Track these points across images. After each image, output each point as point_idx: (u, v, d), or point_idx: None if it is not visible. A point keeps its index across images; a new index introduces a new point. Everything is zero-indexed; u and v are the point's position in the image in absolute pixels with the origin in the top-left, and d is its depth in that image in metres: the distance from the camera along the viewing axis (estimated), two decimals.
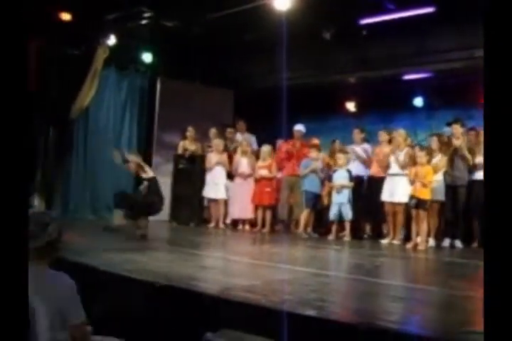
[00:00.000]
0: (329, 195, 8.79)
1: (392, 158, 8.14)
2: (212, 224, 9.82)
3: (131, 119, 11.07)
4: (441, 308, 3.92)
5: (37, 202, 4.78)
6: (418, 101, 11.61)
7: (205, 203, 10.22)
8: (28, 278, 2.53)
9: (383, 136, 8.70)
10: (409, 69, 10.31)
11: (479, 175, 7.43)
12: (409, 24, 8.80)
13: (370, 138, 9.39)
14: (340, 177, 8.52)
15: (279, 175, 9.56)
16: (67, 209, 9.81)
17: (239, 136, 10.71)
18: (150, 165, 10.77)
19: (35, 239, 2.62)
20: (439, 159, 7.87)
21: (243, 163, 9.73)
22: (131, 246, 6.78)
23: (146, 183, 7.34)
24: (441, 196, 7.77)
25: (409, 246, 7.59)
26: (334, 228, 8.55)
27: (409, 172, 7.71)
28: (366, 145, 9.13)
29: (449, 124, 8.46)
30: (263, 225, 9.43)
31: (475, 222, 7.68)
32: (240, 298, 3.72)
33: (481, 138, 7.51)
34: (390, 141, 8.56)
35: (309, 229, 8.88)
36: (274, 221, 9.61)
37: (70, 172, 10.13)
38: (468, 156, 7.69)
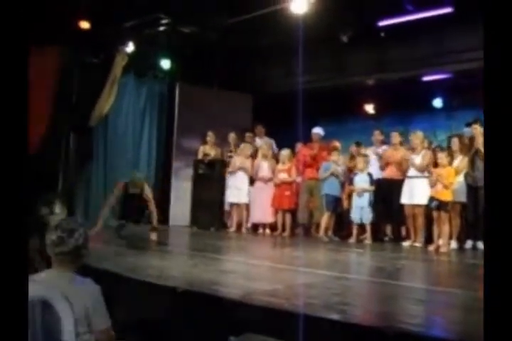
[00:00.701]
0: (349, 198, 8.77)
1: (410, 161, 8.09)
2: (232, 229, 9.83)
3: (150, 125, 11.12)
4: (464, 311, 3.88)
5: (59, 210, 4.82)
6: (437, 102, 11.54)
7: (226, 208, 10.25)
8: (55, 283, 2.58)
9: (396, 137, 8.66)
10: (427, 71, 10.24)
11: None
12: (427, 25, 8.76)
13: (388, 141, 9.34)
14: (361, 181, 8.50)
15: (299, 178, 9.55)
16: (88, 215, 9.88)
17: (258, 141, 10.73)
18: (170, 170, 10.90)
19: (63, 244, 2.68)
20: (460, 160, 7.80)
21: (264, 167, 9.74)
22: (153, 251, 6.82)
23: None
24: (462, 197, 7.69)
25: (431, 248, 7.53)
26: (355, 231, 8.53)
27: (431, 173, 7.66)
28: (385, 147, 9.10)
29: (468, 125, 8.38)
30: (283, 229, 9.42)
31: None
32: (262, 302, 3.72)
33: None
34: (401, 143, 8.53)
35: (330, 233, 8.85)
36: (294, 225, 9.60)
37: (91, 179, 10.20)
38: None
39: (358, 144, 9.64)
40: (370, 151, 9.14)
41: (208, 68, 10.87)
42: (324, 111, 11.21)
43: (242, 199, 9.79)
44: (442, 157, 7.52)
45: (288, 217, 9.43)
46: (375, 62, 10.14)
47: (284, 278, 5.16)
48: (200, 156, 10.42)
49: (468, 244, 7.69)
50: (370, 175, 8.53)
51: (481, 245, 7.58)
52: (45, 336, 2.51)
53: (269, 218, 9.64)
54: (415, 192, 7.91)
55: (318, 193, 9.12)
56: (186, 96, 10.98)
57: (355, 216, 8.42)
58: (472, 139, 7.90)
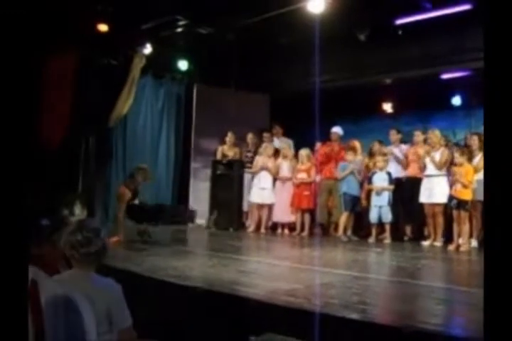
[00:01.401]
0: (368, 197, 8.74)
1: (427, 159, 8.05)
2: (251, 229, 9.84)
3: (168, 126, 11.18)
4: None
5: (78, 211, 4.86)
6: (456, 100, 11.45)
7: (244, 208, 10.26)
8: (77, 284, 2.60)
9: (419, 136, 8.62)
10: (446, 68, 10.16)
11: None
12: (445, 22, 8.68)
13: (408, 139, 9.28)
14: (380, 180, 8.46)
15: (318, 178, 9.54)
16: (107, 216, 9.96)
17: (276, 141, 10.73)
18: (188, 171, 10.94)
19: (90, 244, 2.70)
20: (480, 158, 7.73)
21: (284, 167, 9.75)
22: (172, 251, 6.85)
23: None
24: (482, 196, 7.62)
25: (451, 247, 7.48)
26: (374, 230, 8.49)
27: (450, 172, 7.61)
28: (403, 146, 9.05)
29: None
30: (302, 229, 9.41)
31: None
32: (282, 302, 3.73)
33: None
34: (425, 141, 8.48)
35: (349, 232, 8.82)
36: (312, 224, 9.58)
37: (110, 179, 10.28)
38: None
39: (381, 142, 9.58)
40: (389, 150, 9.10)
41: (225, 69, 10.89)
42: (342, 111, 11.17)
43: (267, 199, 9.75)
44: (459, 155, 7.47)
45: (307, 217, 9.41)
46: (393, 61, 10.08)
47: (303, 277, 5.16)
48: (218, 157, 10.45)
49: None
50: (389, 173, 8.49)
51: None
52: (68, 336, 2.54)
53: (288, 218, 9.63)
54: (434, 191, 7.87)
55: (336, 192, 9.11)
56: (204, 96, 11.02)
57: (373, 215, 8.39)
58: None
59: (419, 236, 8.44)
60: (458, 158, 7.48)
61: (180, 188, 11.00)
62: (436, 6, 8.51)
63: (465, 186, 7.32)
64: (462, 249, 7.30)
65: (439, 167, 7.90)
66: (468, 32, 8.96)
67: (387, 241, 8.30)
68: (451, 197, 7.47)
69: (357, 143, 9.54)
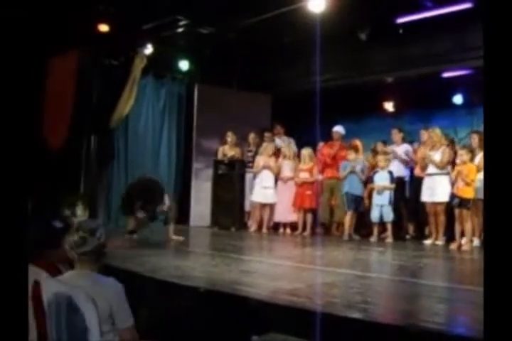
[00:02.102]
0: (370, 196, 8.73)
1: (428, 158, 8.04)
2: (253, 228, 9.84)
3: (169, 126, 11.17)
4: None
5: (80, 212, 4.89)
6: (457, 99, 11.41)
7: (246, 208, 10.26)
8: (79, 283, 2.61)
9: (425, 135, 8.61)
10: (447, 67, 10.14)
11: None
12: (446, 21, 8.66)
13: (410, 138, 9.27)
14: (382, 179, 8.46)
15: (320, 177, 9.53)
16: (110, 217, 9.96)
17: (277, 140, 10.73)
18: (190, 171, 10.94)
19: (85, 244, 2.72)
20: (481, 157, 7.72)
21: (285, 167, 9.74)
22: (174, 251, 6.85)
23: None
24: None
25: (453, 246, 7.47)
26: (376, 230, 8.49)
27: (452, 171, 7.60)
28: (406, 145, 9.05)
29: None
30: (304, 228, 9.40)
31: None
32: (284, 302, 3.73)
33: None
34: None
35: (351, 231, 8.82)
36: (314, 224, 9.57)
37: (112, 181, 10.28)
38: None
39: (384, 142, 9.58)
40: (391, 149, 9.09)
41: (226, 68, 10.89)
42: (344, 110, 11.15)
43: (269, 199, 9.75)
44: (462, 154, 7.46)
45: (309, 217, 9.41)
46: (394, 60, 10.06)
47: (305, 277, 5.16)
48: (219, 156, 10.45)
49: None
50: (390, 172, 8.49)
51: None
52: (71, 336, 2.54)
53: (290, 217, 9.63)
54: (436, 190, 7.86)
55: (339, 192, 9.12)
56: (205, 96, 11.00)
57: (375, 214, 8.38)
58: None
59: (421, 235, 8.44)
60: (463, 156, 7.46)
61: (182, 188, 10.99)
62: (437, 5, 8.49)
63: (467, 184, 7.31)
64: (464, 247, 7.29)
65: (440, 166, 7.89)
66: (470, 30, 8.93)
67: (389, 240, 8.29)
68: (453, 196, 7.46)
69: (358, 143, 9.55)
